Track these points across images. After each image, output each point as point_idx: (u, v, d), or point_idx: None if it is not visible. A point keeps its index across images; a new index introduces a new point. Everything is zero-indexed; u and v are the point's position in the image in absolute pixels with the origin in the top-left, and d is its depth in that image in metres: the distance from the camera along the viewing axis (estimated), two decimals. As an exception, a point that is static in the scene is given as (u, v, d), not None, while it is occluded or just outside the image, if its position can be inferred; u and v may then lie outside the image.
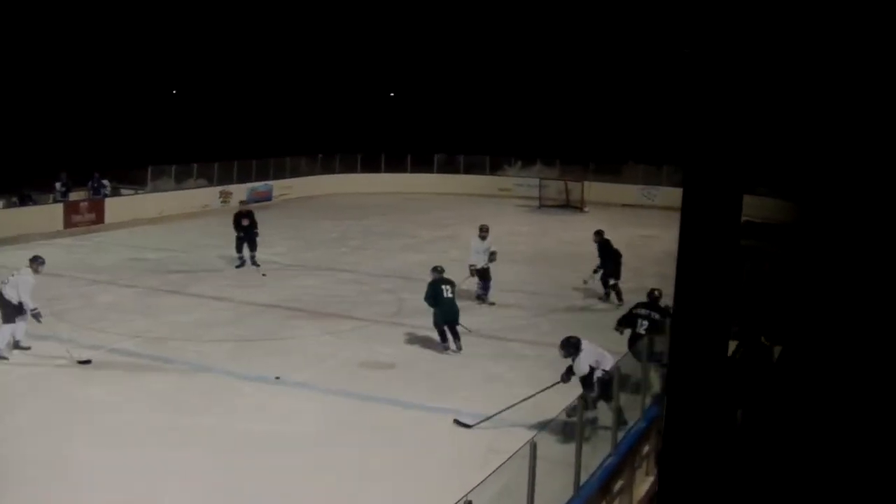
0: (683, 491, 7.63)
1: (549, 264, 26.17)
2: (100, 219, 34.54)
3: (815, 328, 18.55)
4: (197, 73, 69.56)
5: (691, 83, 7.13)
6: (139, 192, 38.34)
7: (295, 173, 46.94)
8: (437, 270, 19.01)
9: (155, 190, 38.69)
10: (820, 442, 13.74)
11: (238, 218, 26.69)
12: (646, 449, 14.25)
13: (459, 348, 18.61)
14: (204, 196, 40.34)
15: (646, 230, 28.76)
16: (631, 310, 17.13)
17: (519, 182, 49.22)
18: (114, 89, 63.23)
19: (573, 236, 31.34)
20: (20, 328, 17.31)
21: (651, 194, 45.09)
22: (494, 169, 51.45)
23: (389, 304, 22.70)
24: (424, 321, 20.53)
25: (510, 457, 9.28)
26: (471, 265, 22.54)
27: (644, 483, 14.16)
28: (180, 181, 40.50)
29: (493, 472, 8.73)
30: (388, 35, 67.27)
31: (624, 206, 42.07)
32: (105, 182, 36.44)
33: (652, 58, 57.09)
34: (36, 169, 36.18)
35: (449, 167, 50.99)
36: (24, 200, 33.24)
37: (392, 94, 73.35)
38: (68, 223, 33.14)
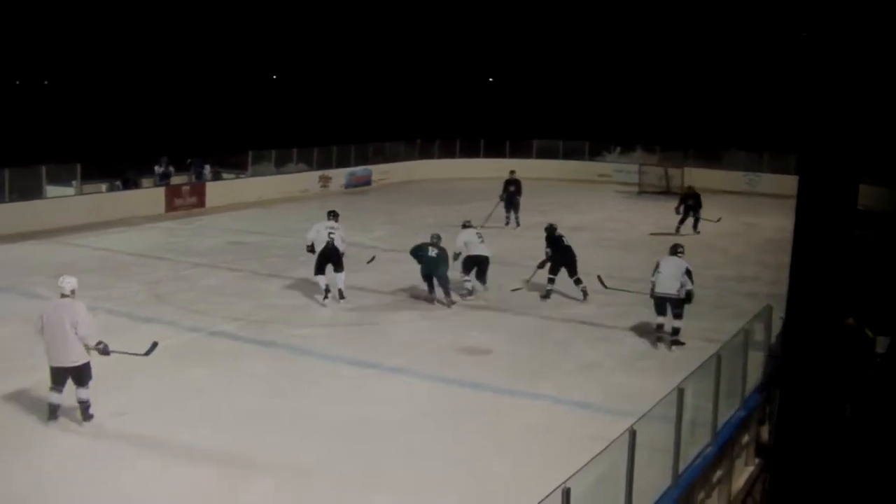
0: (796, 484, 7.49)
1: (648, 250, 25.76)
2: (201, 203, 35.03)
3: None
4: (297, 60, 70.25)
5: (810, 68, 6.91)
6: (240, 176, 38.78)
7: (394, 158, 47.10)
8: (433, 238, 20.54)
9: (255, 174, 39.03)
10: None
11: (506, 184, 32.52)
12: (745, 438, 14.02)
13: (448, 304, 20.32)
14: (304, 181, 40.69)
15: (748, 217, 28.28)
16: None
17: (618, 168, 48.61)
18: (216, 76, 64.19)
19: (673, 223, 30.92)
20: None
21: (753, 181, 44.35)
22: (594, 155, 50.89)
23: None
24: (521, 307, 20.48)
25: (609, 444, 9.18)
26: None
27: (743, 474, 13.94)
28: (280, 166, 40.86)
29: (592, 459, 8.64)
30: (487, 21, 67.24)
31: (725, 192, 41.34)
32: (206, 166, 36.92)
33: (754, 43, 56.27)
34: (139, 153, 36.75)
35: (548, 153, 50.61)
36: (128, 184, 33.88)
37: (491, 80, 73.29)
38: (170, 206, 33.64)
